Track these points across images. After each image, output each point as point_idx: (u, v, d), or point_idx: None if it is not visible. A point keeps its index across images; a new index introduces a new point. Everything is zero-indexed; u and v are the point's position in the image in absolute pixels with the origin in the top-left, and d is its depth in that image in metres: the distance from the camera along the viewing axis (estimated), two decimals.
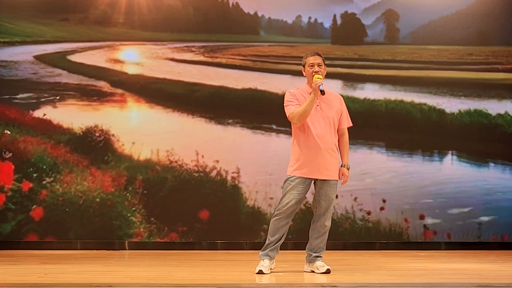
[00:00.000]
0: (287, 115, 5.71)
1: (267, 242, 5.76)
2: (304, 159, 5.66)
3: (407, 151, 8.13)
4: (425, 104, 8.16)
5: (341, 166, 5.79)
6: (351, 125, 5.91)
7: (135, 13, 8.22)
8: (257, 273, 5.60)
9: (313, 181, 5.74)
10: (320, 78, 5.60)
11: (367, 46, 8.29)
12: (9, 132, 7.93)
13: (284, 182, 5.75)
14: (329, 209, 5.74)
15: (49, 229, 7.88)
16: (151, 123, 8.10)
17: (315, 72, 5.66)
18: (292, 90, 5.80)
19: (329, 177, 5.71)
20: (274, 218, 5.74)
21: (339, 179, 5.77)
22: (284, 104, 5.75)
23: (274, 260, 5.78)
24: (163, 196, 7.97)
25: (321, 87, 5.54)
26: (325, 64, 5.78)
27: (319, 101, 5.70)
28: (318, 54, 5.77)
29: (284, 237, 5.77)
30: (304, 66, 5.79)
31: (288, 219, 5.72)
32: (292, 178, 5.70)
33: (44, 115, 8.01)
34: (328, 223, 5.77)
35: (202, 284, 5.29)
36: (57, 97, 8.01)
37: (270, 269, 5.69)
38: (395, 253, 7.60)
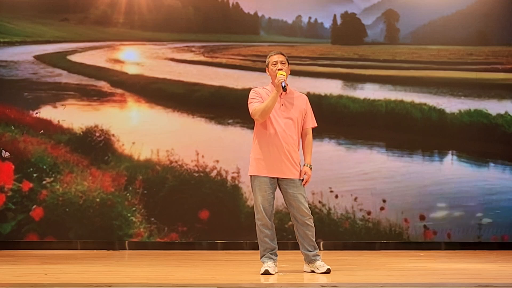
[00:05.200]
0: (250, 112, 5.71)
1: (262, 248, 5.72)
2: (266, 158, 5.65)
3: (407, 151, 8.13)
4: (425, 104, 8.16)
5: (304, 165, 5.77)
6: (316, 125, 5.89)
7: (135, 13, 8.22)
8: (262, 274, 5.57)
9: (277, 182, 5.72)
10: (283, 75, 5.61)
11: (367, 46, 8.29)
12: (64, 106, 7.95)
13: (251, 184, 5.75)
14: (300, 208, 5.68)
15: (49, 229, 7.88)
16: (151, 123, 8.10)
17: (278, 69, 5.67)
18: (257, 89, 5.81)
19: (292, 176, 5.69)
20: (258, 223, 5.70)
21: (300, 177, 5.73)
22: (248, 102, 5.76)
23: (276, 264, 5.76)
24: (163, 196, 7.97)
25: (283, 84, 5.55)
26: (288, 64, 5.78)
27: (283, 100, 5.71)
28: (281, 53, 5.79)
29: (275, 239, 5.76)
30: (267, 65, 5.79)
31: (270, 221, 5.70)
32: (257, 180, 5.68)
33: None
34: (310, 221, 5.72)
35: (202, 284, 5.29)
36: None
37: (275, 271, 5.66)
38: (395, 253, 7.60)
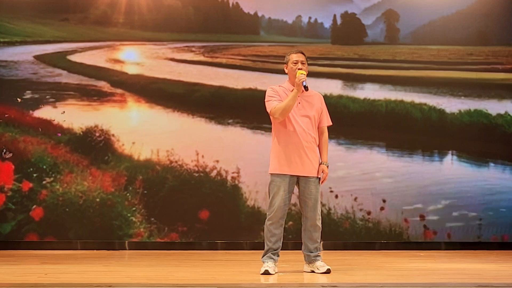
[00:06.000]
0: (269, 110, 5.70)
1: (266, 248, 5.74)
2: (286, 156, 5.66)
3: (407, 151, 8.13)
4: (425, 104, 8.16)
5: (320, 163, 5.78)
6: (331, 123, 5.91)
7: (135, 13, 8.22)
8: (262, 274, 5.57)
9: (296, 181, 5.74)
10: (304, 74, 5.61)
11: (367, 46, 8.29)
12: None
13: (270, 184, 5.74)
14: (316, 207, 5.72)
15: (49, 229, 7.88)
16: (151, 123, 8.10)
17: (298, 69, 5.67)
18: (274, 87, 5.80)
19: (312, 174, 5.70)
20: (267, 223, 5.71)
21: (318, 175, 5.75)
22: (266, 100, 5.75)
23: (277, 264, 5.76)
24: (163, 196, 7.97)
25: (304, 83, 5.56)
26: (307, 64, 5.79)
27: (300, 98, 5.71)
28: (302, 53, 5.79)
29: (281, 240, 5.76)
30: (287, 63, 5.79)
31: (281, 221, 5.71)
32: (277, 179, 5.68)
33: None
34: (319, 223, 5.75)
35: (202, 284, 5.29)
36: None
37: (275, 271, 5.66)
38: (395, 253, 7.60)
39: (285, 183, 5.67)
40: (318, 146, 5.82)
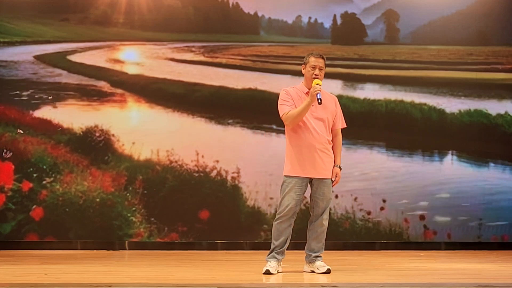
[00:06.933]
0: (281, 114, 5.68)
1: (272, 246, 5.75)
2: (299, 159, 5.65)
3: (407, 151, 8.13)
4: (425, 104, 8.16)
5: (334, 166, 5.78)
6: (345, 126, 5.90)
7: (135, 13, 8.22)
8: (264, 273, 5.59)
9: (309, 181, 5.74)
10: (319, 85, 5.56)
11: (367, 46, 8.29)
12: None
13: (282, 184, 5.74)
14: (326, 209, 5.75)
15: (49, 229, 7.88)
16: (151, 123, 8.10)
17: (315, 75, 5.64)
18: (288, 89, 5.76)
19: (325, 176, 5.71)
20: (276, 222, 5.73)
21: (332, 178, 5.75)
22: (279, 103, 5.72)
23: (281, 263, 5.76)
24: (163, 196, 7.97)
25: (319, 95, 5.50)
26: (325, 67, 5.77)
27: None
28: (322, 57, 5.72)
29: (289, 240, 5.76)
30: (305, 64, 5.74)
31: (290, 221, 5.72)
32: (289, 180, 5.68)
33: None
34: (326, 222, 5.77)
35: (202, 284, 5.29)
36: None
37: (277, 271, 5.67)
38: (395, 253, 7.60)
39: (297, 184, 5.67)
40: (332, 148, 5.80)
